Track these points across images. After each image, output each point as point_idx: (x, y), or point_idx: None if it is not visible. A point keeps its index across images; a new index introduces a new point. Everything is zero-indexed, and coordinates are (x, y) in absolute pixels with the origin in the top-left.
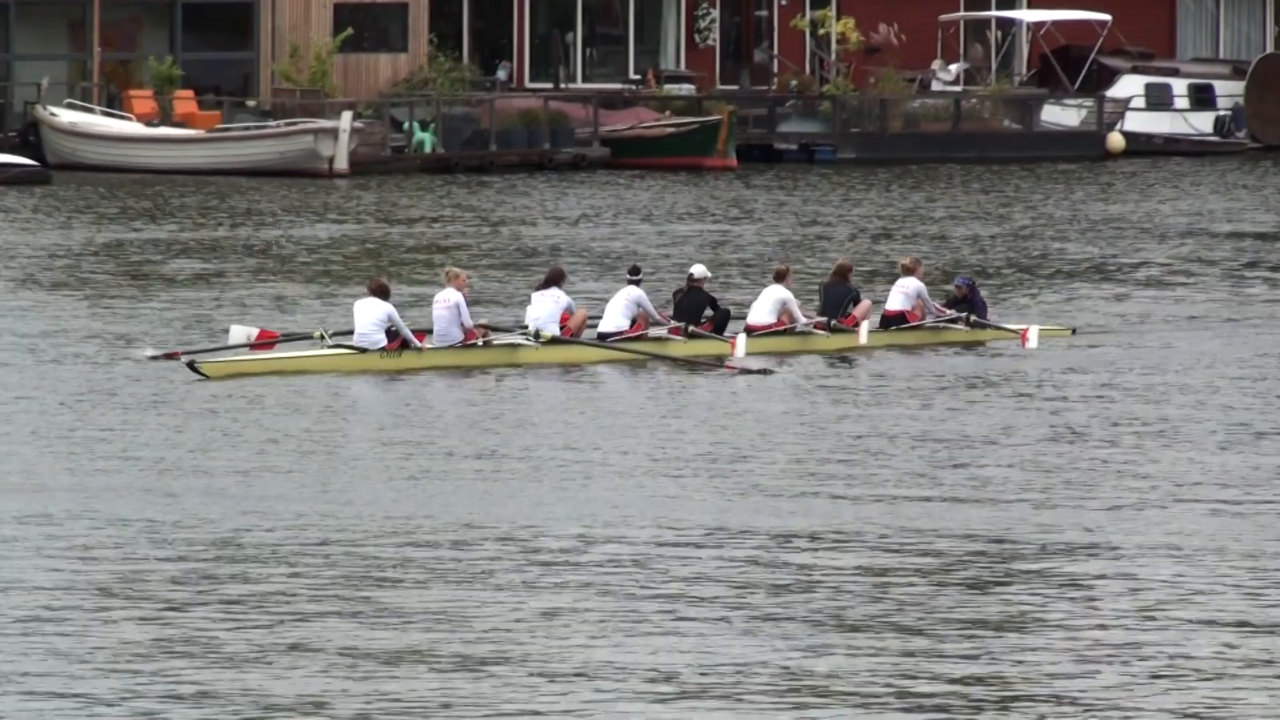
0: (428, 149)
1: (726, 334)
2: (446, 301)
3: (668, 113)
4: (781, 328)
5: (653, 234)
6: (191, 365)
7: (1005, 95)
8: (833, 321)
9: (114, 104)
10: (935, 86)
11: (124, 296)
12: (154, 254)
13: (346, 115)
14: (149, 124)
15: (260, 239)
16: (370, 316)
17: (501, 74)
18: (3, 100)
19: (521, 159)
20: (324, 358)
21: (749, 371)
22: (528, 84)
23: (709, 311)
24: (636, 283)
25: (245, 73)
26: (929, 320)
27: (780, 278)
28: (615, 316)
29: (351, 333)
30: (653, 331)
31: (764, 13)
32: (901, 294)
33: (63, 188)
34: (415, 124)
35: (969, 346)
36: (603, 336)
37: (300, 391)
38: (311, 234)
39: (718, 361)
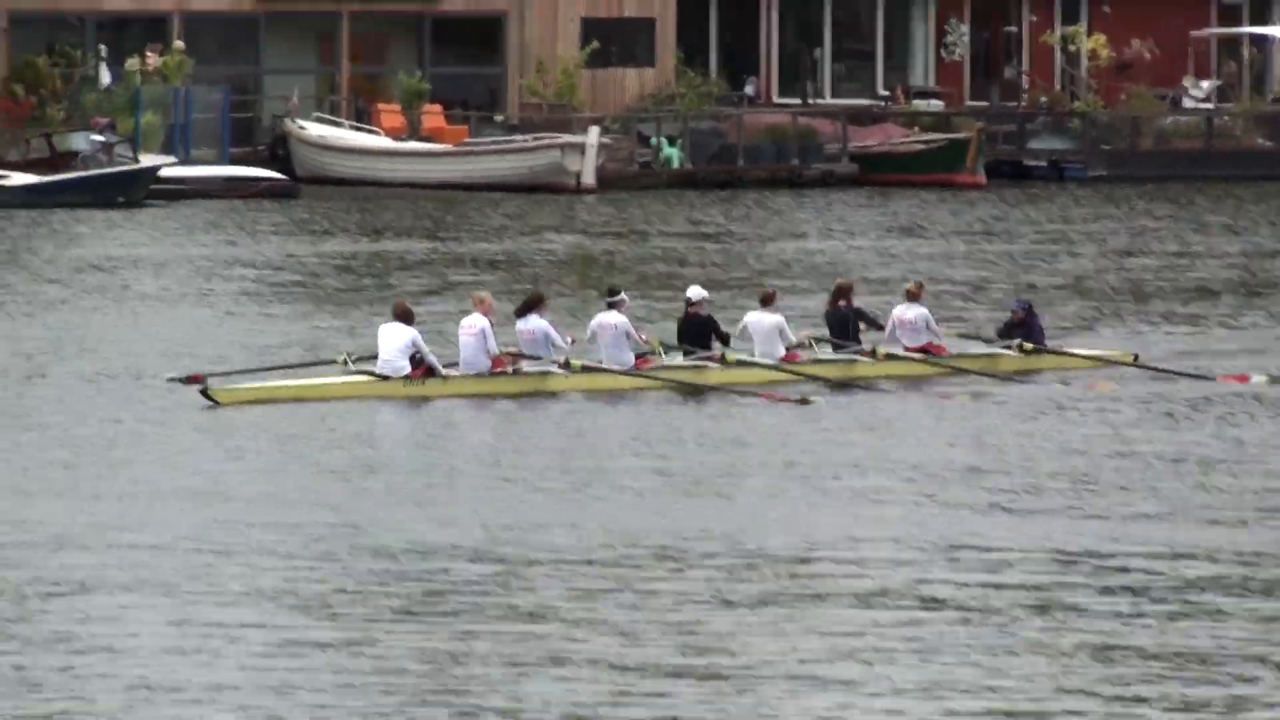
0: (675, 164)
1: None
2: (472, 328)
3: (916, 129)
4: (791, 359)
5: (903, 250)
6: (204, 391)
7: (1258, 113)
8: (879, 349)
9: (362, 118)
10: (1187, 104)
11: (354, 306)
12: (395, 266)
13: (594, 130)
14: (397, 138)
15: (503, 252)
16: (394, 342)
17: (749, 89)
18: (252, 114)
19: (769, 175)
20: (344, 384)
21: (787, 401)
22: (775, 99)
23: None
24: (616, 305)
25: (493, 87)
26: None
27: (767, 302)
28: (612, 352)
29: (375, 357)
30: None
31: (1014, 29)
32: (911, 330)
33: (310, 201)
34: (663, 139)
35: (1025, 374)
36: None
37: (323, 418)
38: (556, 248)
39: (754, 391)
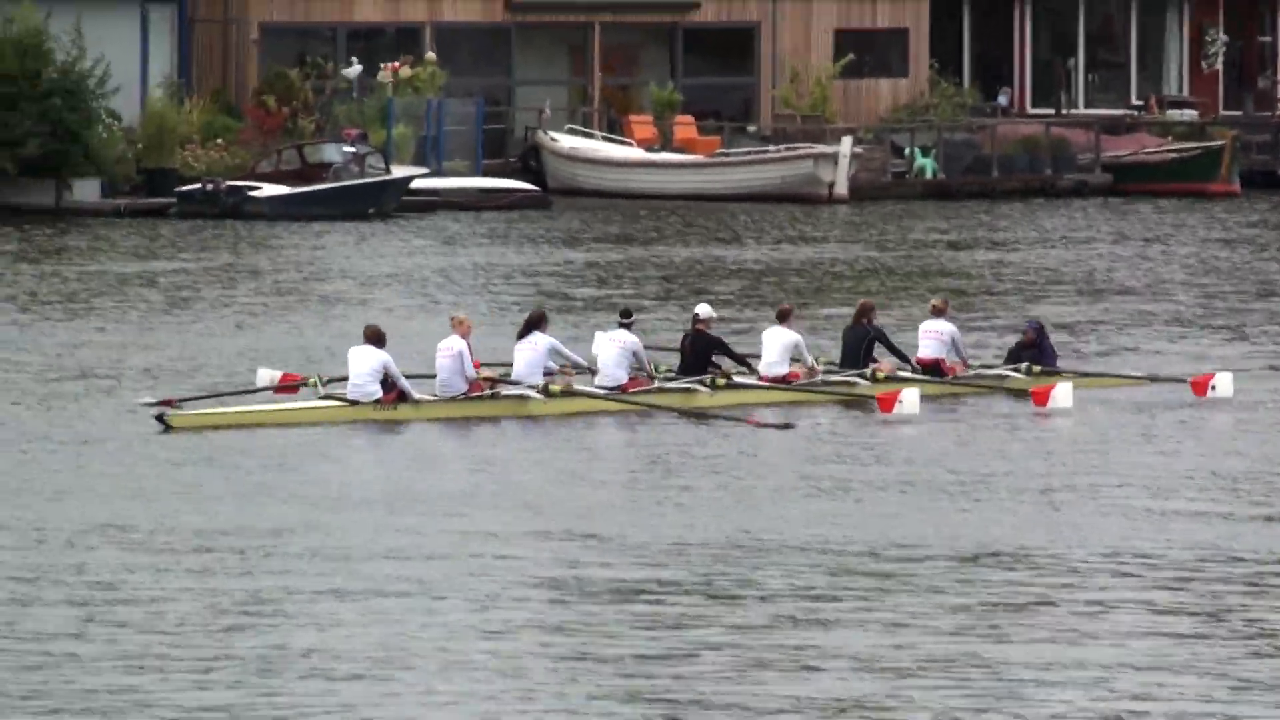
0: (929, 175)
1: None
2: (450, 350)
3: (1170, 139)
4: (796, 378)
5: (1155, 260)
6: (160, 417)
7: None
8: (874, 370)
9: (614, 129)
10: None
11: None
12: (648, 276)
13: (847, 140)
14: (649, 149)
15: (757, 262)
16: (364, 366)
17: (1003, 99)
18: (504, 126)
19: (1023, 185)
20: (311, 410)
21: (769, 426)
22: (1029, 109)
23: (720, 356)
24: (628, 326)
25: (745, 98)
26: (960, 371)
27: (783, 318)
28: (610, 368)
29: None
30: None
31: (1268, 38)
32: (934, 340)
33: (562, 212)
34: (916, 149)
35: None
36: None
37: (298, 443)
38: (809, 258)
39: (739, 417)
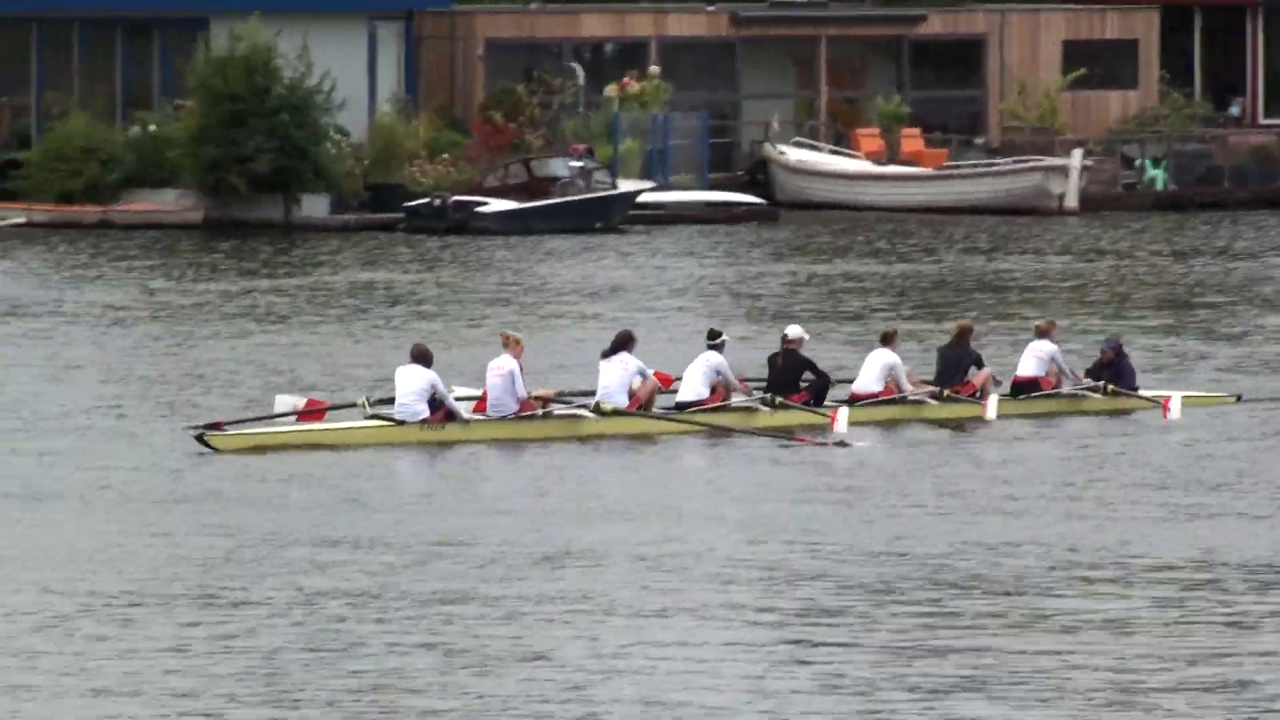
0: (1159, 186)
1: (826, 404)
2: (500, 369)
3: None
4: (888, 396)
5: None
6: (200, 437)
7: None
8: (946, 391)
9: (841, 142)
10: None
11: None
12: (874, 289)
13: (1077, 153)
14: (877, 162)
15: (991, 273)
16: (411, 385)
17: (1234, 110)
18: (731, 139)
19: (1254, 196)
20: (355, 430)
21: (823, 444)
22: (1262, 120)
23: (810, 376)
24: (718, 347)
25: (973, 110)
26: (1066, 387)
27: (887, 340)
28: (694, 384)
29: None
30: (735, 400)
31: None
32: (1035, 358)
33: (789, 225)
34: (1147, 160)
35: (1111, 415)
36: (681, 406)
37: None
38: (1043, 270)
39: (788, 435)
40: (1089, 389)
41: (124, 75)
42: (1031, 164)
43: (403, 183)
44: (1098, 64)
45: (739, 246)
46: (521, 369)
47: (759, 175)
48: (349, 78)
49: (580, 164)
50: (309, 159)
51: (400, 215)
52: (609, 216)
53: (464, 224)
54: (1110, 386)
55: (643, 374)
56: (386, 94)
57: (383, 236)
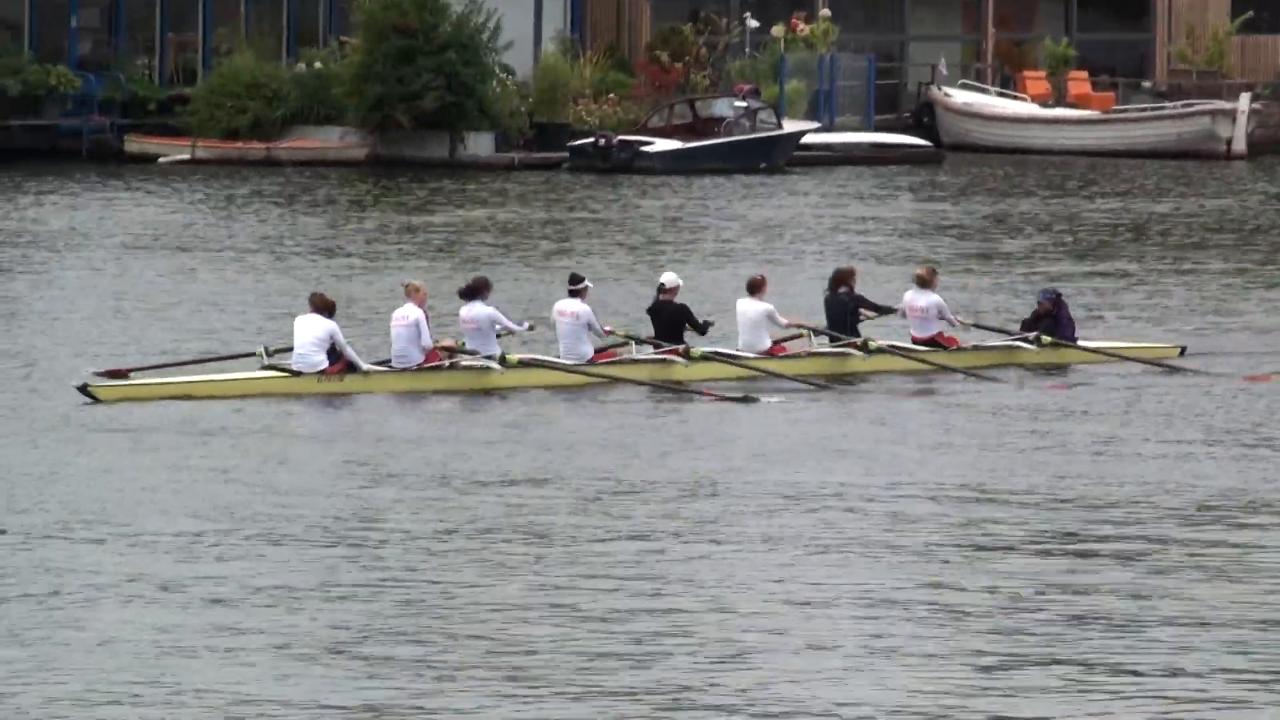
0: None
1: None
2: (405, 319)
3: None
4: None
5: None
6: (84, 388)
7: None
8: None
9: (1007, 85)
10: None
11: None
12: (1036, 229)
13: (1245, 97)
14: (1043, 105)
15: (1157, 217)
16: (309, 334)
17: None
18: (897, 81)
19: None
20: (248, 380)
21: (729, 399)
22: None
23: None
24: (579, 293)
25: (1140, 54)
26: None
27: (754, 289)
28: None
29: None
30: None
31: None
32: (921, 318)
33: (955, 167)
34: None
35: (1054, 369)
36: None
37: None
38: (1208, 214)
39: (695, 389)
40: (1020, 340)
41: (291, 12)
42: (1199, 108)
43: (568, 122)
44: (1266, 7)
45: (904, 188)
46: (428, 317)
47: (924, 118)
48: (515, 16)
49: (745, 104)
50: (475, 97)
51: (565, 154)
52: (773, 157)
53: (628, 163)
54: (1045, 338)
55: (494, 320)
56: (552, 33)
57: (547, 175)
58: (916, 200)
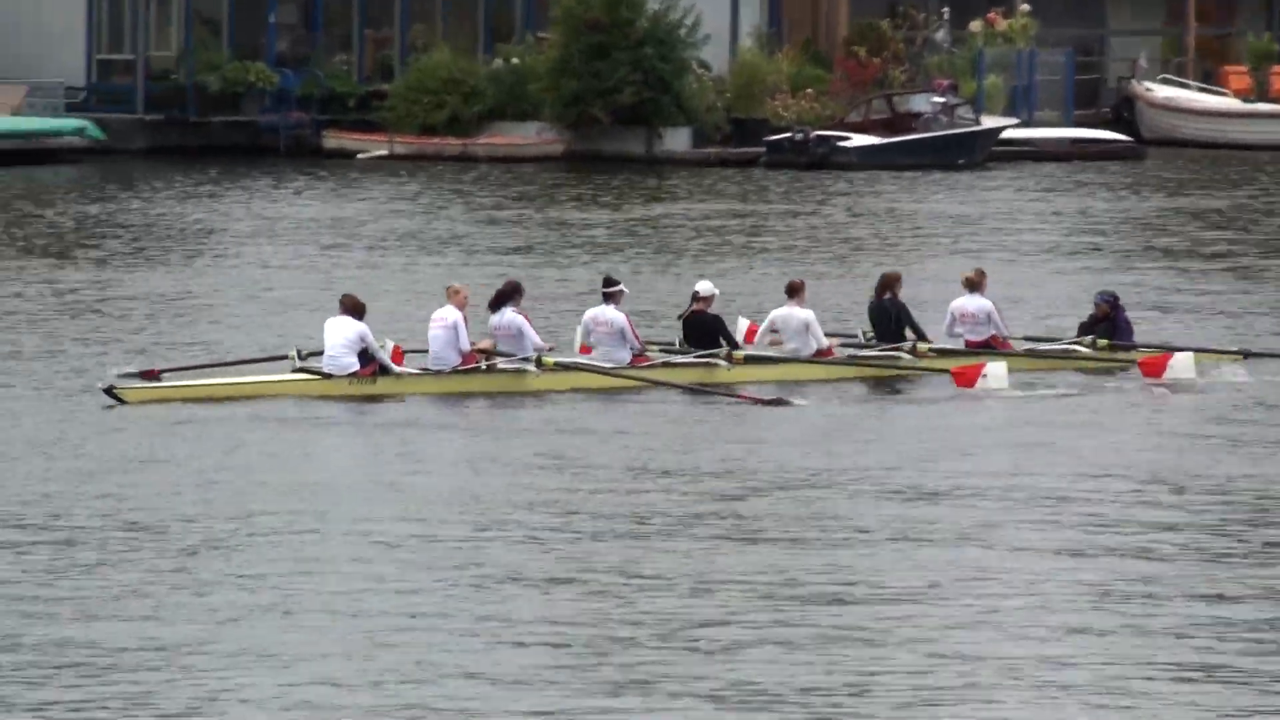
0: None
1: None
2: (444, 320)
3: None
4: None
5: None
6: (109, 390)
7: None
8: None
9: (1208, 79)
10: None
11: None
12: (1244, 225)
13: None
14: (1245, 100)
15: None
16: (339, 337)
17: None
18: (1097, 76)
19: None
20: (279, 383)
21: (766, 403)
22: None
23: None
24: (612, 297)
25: None
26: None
27: (793, 294)
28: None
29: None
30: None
31: None
32: (974, 322)
33: (1156, 162)
34: None
35: (1106, 373)
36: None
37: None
38: None
39: (729, 393)
40: (1074, 342)
41: (487, 8)
42: None
43: (765, 117)
44: None
45: (1105, 183)
46: (466, 320)
47: (1124, 112)
48: (712, 11)
49: (943, 100)
50: (672, 92)
51: (762, 150)
52: (972, 153)
53: (825, 159)
54: (1102, 340)
55: (523, 330)
56: (749, 28)
57: (745, 170)
58: (1120, 195)
